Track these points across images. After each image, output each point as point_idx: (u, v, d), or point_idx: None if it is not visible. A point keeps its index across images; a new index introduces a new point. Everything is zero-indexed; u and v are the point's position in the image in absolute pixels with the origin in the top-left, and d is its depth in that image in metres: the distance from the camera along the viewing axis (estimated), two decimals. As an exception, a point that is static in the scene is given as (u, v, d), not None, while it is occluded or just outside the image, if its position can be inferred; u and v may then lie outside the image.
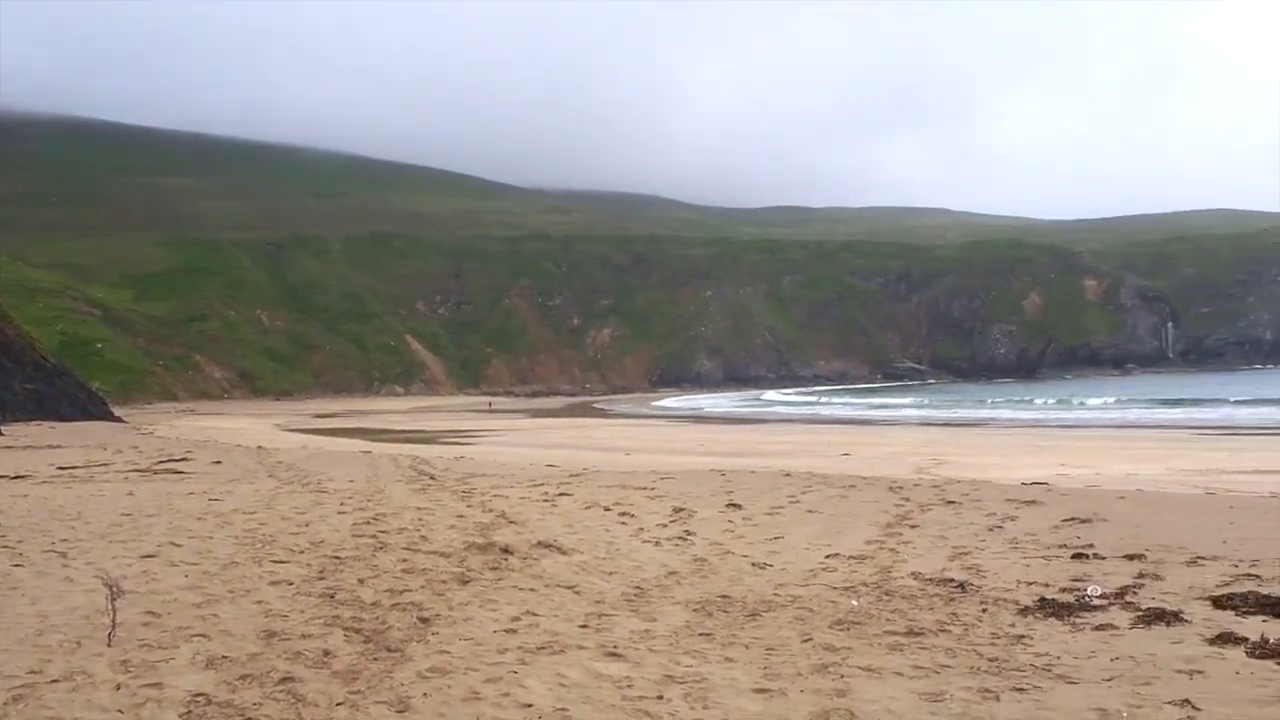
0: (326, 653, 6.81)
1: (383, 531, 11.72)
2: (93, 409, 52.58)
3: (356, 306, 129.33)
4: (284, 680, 6.21)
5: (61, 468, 21.09)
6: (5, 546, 10.45)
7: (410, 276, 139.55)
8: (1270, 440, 35.04)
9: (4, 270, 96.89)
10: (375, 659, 6.72)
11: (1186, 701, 5.83)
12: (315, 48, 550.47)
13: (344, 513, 13.37)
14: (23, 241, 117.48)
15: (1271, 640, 7.02)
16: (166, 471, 20.41)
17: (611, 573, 9.90)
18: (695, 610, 8.35)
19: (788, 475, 19.13)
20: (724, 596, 8.88)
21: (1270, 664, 6.60)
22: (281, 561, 9.84)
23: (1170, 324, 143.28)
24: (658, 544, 11.58)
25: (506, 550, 10.64)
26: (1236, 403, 60.43)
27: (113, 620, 7.13)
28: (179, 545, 10.67)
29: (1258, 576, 9.23)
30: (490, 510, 13.84)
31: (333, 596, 8.41)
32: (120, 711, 5.65)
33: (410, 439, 42.05)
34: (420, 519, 12.85)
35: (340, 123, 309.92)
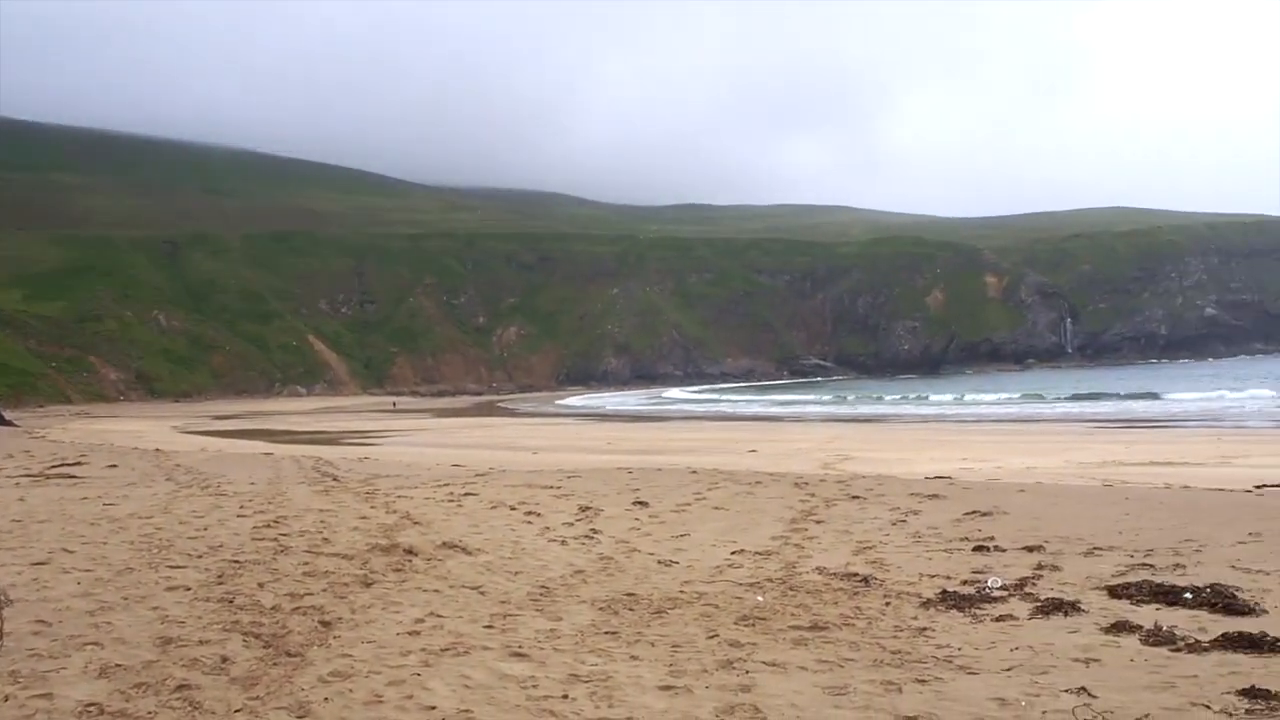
0: (225, 659, 6.64)
1: (284, 534, 11.47)
2: (-20, 413, 50.68)
3: (257, 306, 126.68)
4: (180, 688, 6.04)
5: (-56, 474, 20.25)
6: (-118, 556, 9.99)
7: (312, 275, 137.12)
8: (1164, 433, 36.28)
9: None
10: (275, 664, 6.58)
11: (1083, 689, 6.00)
12: (206, 43, 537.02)
13: (244, 516, 13.06)
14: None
15: (1164, 628, 7.27)
16: (60, 476, 19.73)
17: (517, 572, 9.85)
18: (601, 609, 8.34)
19: (694, 472, 19.22)
20: (630, 594, 8.89)
21: (1164, 651, 6.84)
22: (179, 566, 9.57)
23: (1069, 320, 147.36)
24: (564, 543, 11.55)
25: (410, 551, 10.51)
26: (1129, 396, 62.57)
27: (0, 630, 6.86)
28: (72, 551, 10.31)
29: (1152, 566, 9.55)
30: (394, 511, 13.66)
31: (231, 601, 8.21)
32: (5, 725, 5.44)
33: (313, 440, 41.31)
34: (323, 521, 12.62)
35: (235, 119, 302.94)
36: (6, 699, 5.80)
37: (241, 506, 14.03)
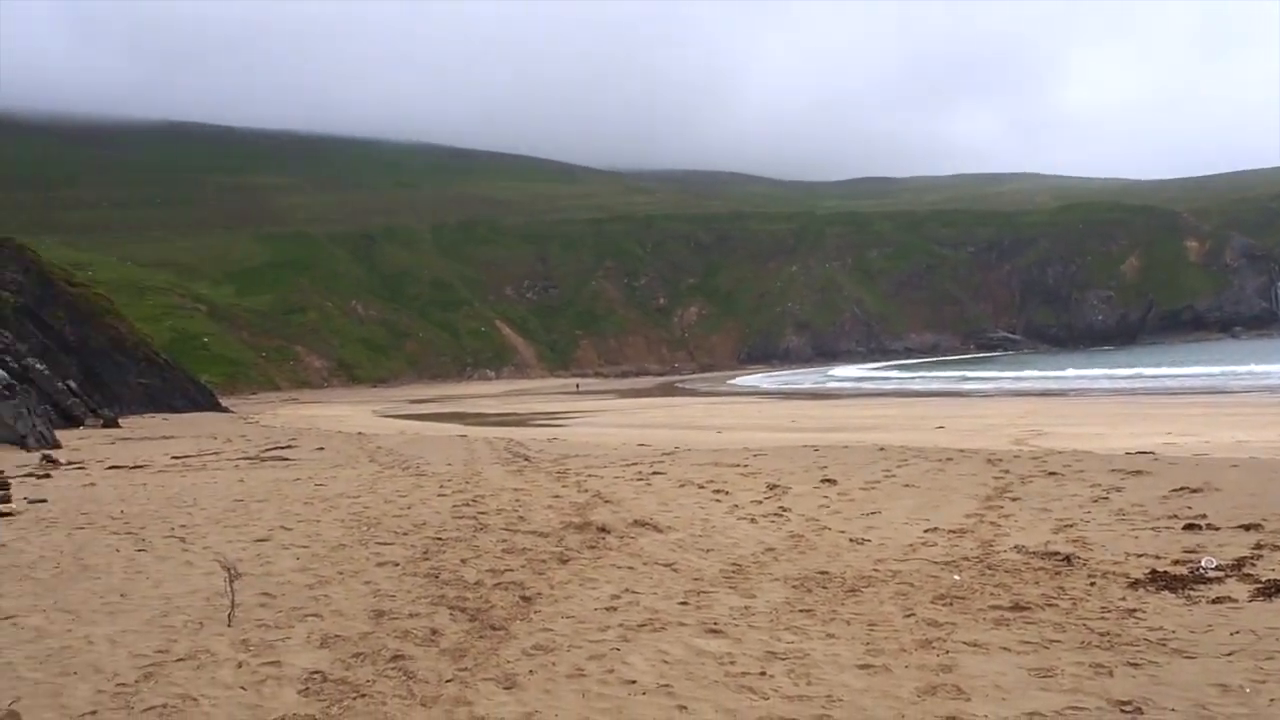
0: (434, 631, 6.96)
1: (482, 513, 11.90)
2: (202, 400, 54.44)
3: (446, 294, 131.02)
4: (395, 658, 6.37)
5: (176, 457, 21.84)
6: (129, 533, 10.88)
7: (496, 262, 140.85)
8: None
9: (114, 271, 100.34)
10: (481, 637, 6.85)
11: (1311, 675, 5.65)
12: (383, 43, 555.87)
13: (444, 495, 13.61)
14: (129, 243, 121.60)
15: (1397, 609, 6.77)
16: (273, 459, 21.00)
17: (709, 550, 9.93)
18: (794, 587, 8.33)
19: (882, 449, 18.93)
20: (823, 572, 8.84)
21: (1397, 634, 6.38)
22: (387, 543, 10.06)
23: (1279, 284, 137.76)
24: (753, 521, 11.58)
25: (603, 529, 10.74)
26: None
27: (231, 601, 7.39)
28: (289, 529, 10.99)
29: (1381, 544, 8.90)
30: (585, 490, 13.96)
31: (437, 577, 8.59)
32: (243, 688, 5.86)
33: (504, 422, 42.56)
34: (518, 500, 13.02)
35: (415, 114, 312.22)
36: (240, 665, 6.25)
37: (441, 486, 14.62)
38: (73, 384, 38.83)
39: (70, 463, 20.39)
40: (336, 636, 6.85)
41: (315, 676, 6.04)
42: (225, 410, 53.83)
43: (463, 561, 9.20)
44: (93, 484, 16.18)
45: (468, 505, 12.57)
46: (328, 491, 14.34)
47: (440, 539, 10.28)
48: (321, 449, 23.65)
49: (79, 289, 53.55)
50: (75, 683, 5.95)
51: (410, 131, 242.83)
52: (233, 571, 7.63)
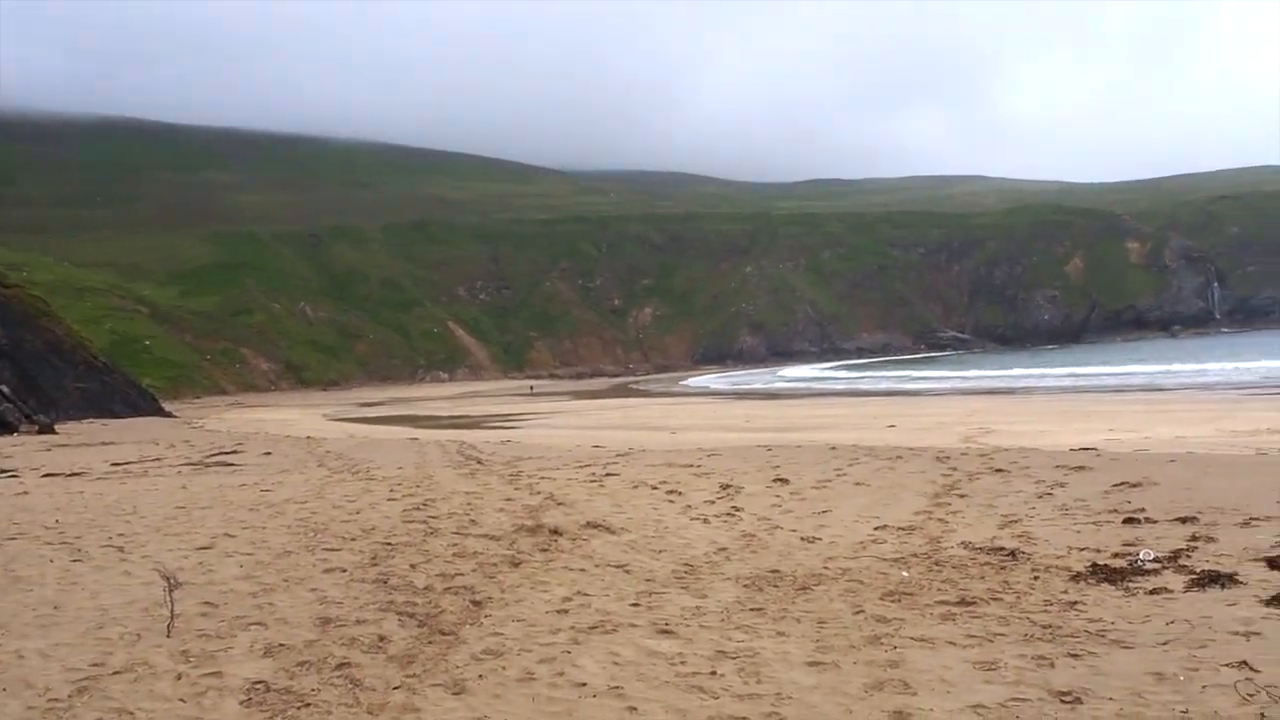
0: (382, 638, 6.90)
1: (433, 517, 11.81)
2: (144, 405, 53.44)
3: (398, 294, 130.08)
4: (341, 666, 6.30)
5: (116, 464, 21.44)
6: (64, 542, 10.65)
7: (449, 263, 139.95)
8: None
9: (51, 271, 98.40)
10: (430, 643, 6.80)
11: (1244, 663, 5.78)
12: (330, 39, 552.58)
13: (394, 499, 13.49)
14: (68, 242, 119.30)
15: (1331, 600, 6.93)
16: (218, 464, 20.71)
17: (661, 551, 9.94)
18: (746, 586, 8.36)
19: (834, 449, 19.07)
20: (774, 571, 8.89)
21: (1330, 624, 6.52)
22: (334, 549, 9.95)
23: (1216, 284, 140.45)
24: (706, 521, 11.60)
25: (556, 531, 10.70)
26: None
27: (171, 612, 7.26)
28: (233, 536, 10.82)
29: (1314, 536, 9.11)
30: (538, 492, 13.91)
31: (386, 582, 8.51)
32: (182, 700, 5.76)
33: (456, 424, 42.35)
34: (469, 503, 12.93)
35: (363, 112, 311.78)
36: (180, 677, 6.14)
37: (391, 490, 14.49)
38: (5, 389, 37.69)
39: (2, 470, 19.86)
40: (281, 645, 6.75)
41: (258, 686, 5.95)
42: (168, 415, 52.94)
43: (412, 566, 9.12)
44: (26, 492, 15.79)
45: (418, 509, 12.46)
46: (274, 497, 14.15)
47: (390, 544, 10.19)
48: (268, 454, 23.37)
49: (13, 290, 52.29)
50: (4, 699, 5.80)
51: (361, 130, 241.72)
52: (173, 581, 7.51)
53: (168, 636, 6.93)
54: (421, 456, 21.18)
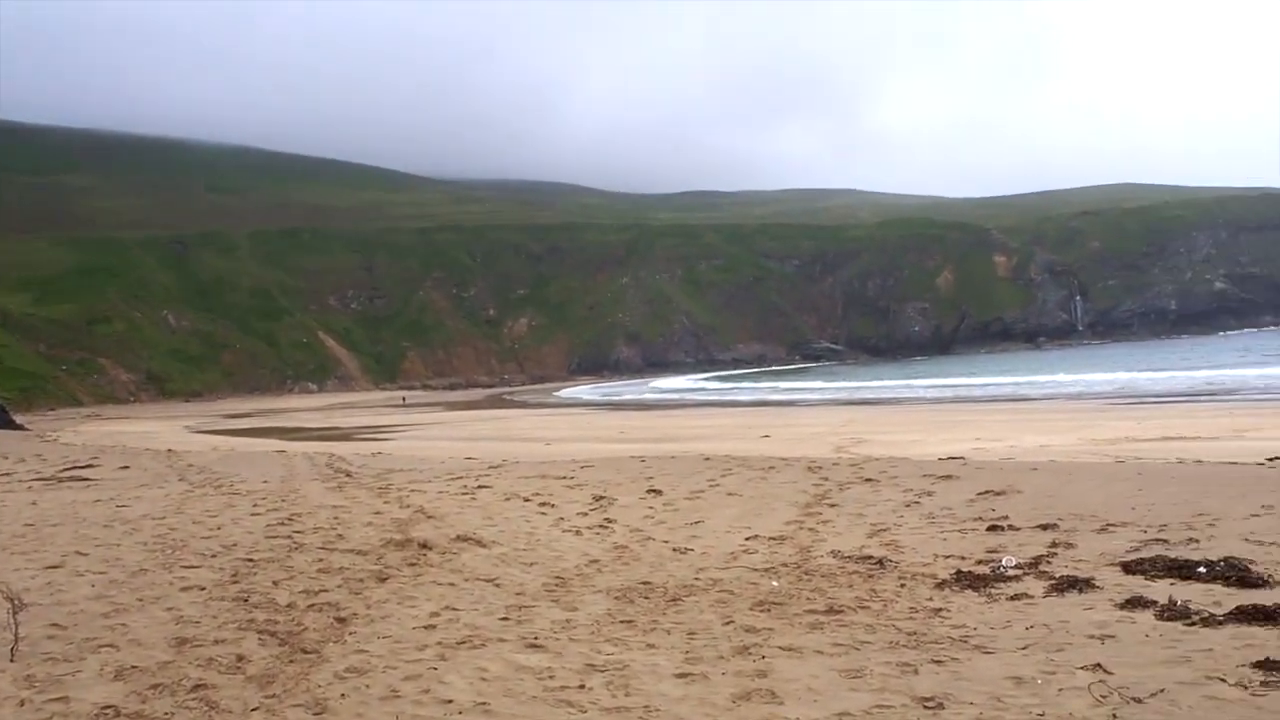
0: (241, 658, 6.66)
1: (298, 532, 11.48)
2: (-8, 417, 50.80)
3: (266, 303, 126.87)
4: (197, 688, 6.06)
5: (-41, 479, 20.32)
6: (-101, 563, 10.03)
7: (320, 271, 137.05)
8: (1176, 408, 36.14)
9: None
10: (291, 661, 6.59)
11: (1098, 666, 5.98)
12: (203, 42, 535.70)
13: (258, 514, 13.08)
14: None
15: (1179, 603, 7.24)
16: (71, 479, 19.78)
17: (532, 564, 9.85)
18: (617, 598, 8.34)
19: (707, 459, 19.19)
20: (645, 583, 8.88)
21: (1178, 625, 6.81)
22: (193, 567, 9.58)
23: (1079, 297, 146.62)
24: (578, 533, 11.55)
25: (425, 546, 10.51)
26: (1141, 370, 62.28)
27: (15, 635, 6.87)
28: (85, 554, 10.32)
29: (1165, 541, 9.51)
30: (408, 506, 13.66)
31: (246, 600, 8.23)
32: (23, 729, 5.46)
33: (325, 437, 41.41)
34: (336, 517, 12.62)
35: (235, 117, 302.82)
36: (23, 704, 5.81)
37: (255, 505, 14.05)
38: None
39: None
40: (133, 668, 6.45)
41: (107, 711, 5.68)
42: (20, 428, 50.41)
43: (275, 583, 8.84)
44: None
45: (283, 524, 12.10)
46: (130, 513, 13.57)
47: (252, 560, 9.86)
48: (126, 468, 22.44)
49: None
50: None
51: (230, 134, 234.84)
52: (17, 602, 7.10)
53: (11, 661, 6.55)
54: (288, 470, 20.61)
